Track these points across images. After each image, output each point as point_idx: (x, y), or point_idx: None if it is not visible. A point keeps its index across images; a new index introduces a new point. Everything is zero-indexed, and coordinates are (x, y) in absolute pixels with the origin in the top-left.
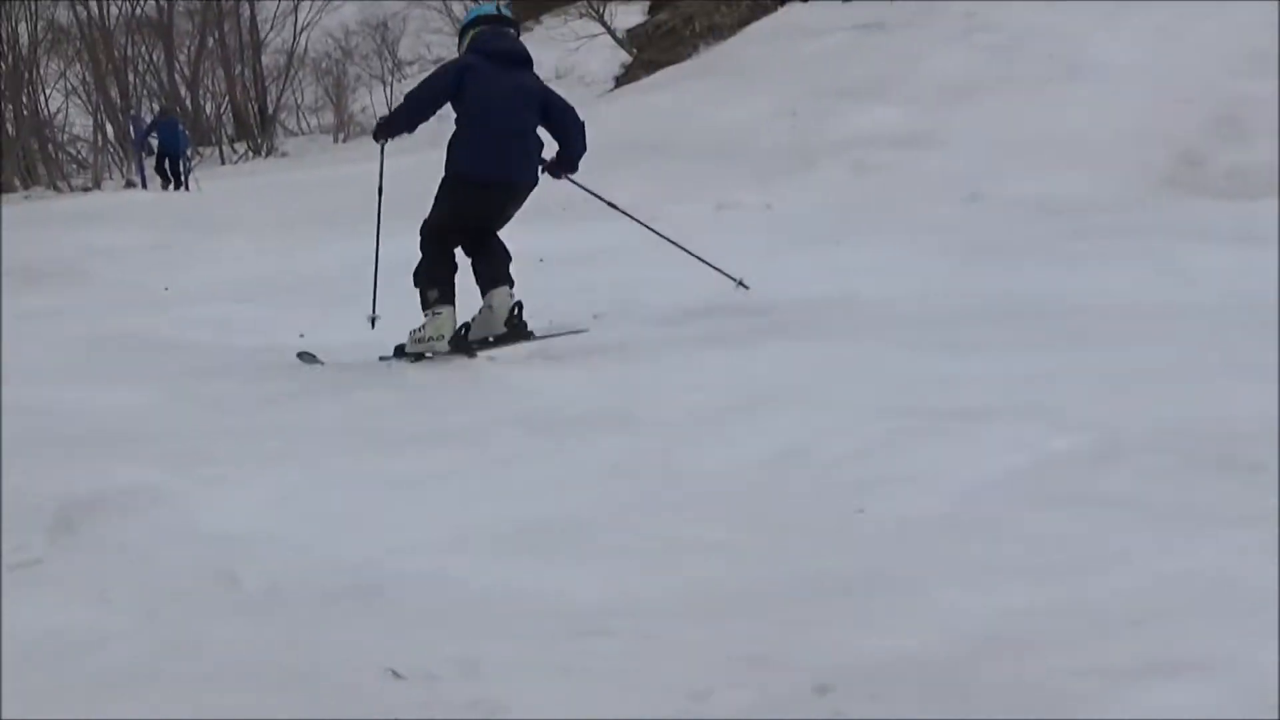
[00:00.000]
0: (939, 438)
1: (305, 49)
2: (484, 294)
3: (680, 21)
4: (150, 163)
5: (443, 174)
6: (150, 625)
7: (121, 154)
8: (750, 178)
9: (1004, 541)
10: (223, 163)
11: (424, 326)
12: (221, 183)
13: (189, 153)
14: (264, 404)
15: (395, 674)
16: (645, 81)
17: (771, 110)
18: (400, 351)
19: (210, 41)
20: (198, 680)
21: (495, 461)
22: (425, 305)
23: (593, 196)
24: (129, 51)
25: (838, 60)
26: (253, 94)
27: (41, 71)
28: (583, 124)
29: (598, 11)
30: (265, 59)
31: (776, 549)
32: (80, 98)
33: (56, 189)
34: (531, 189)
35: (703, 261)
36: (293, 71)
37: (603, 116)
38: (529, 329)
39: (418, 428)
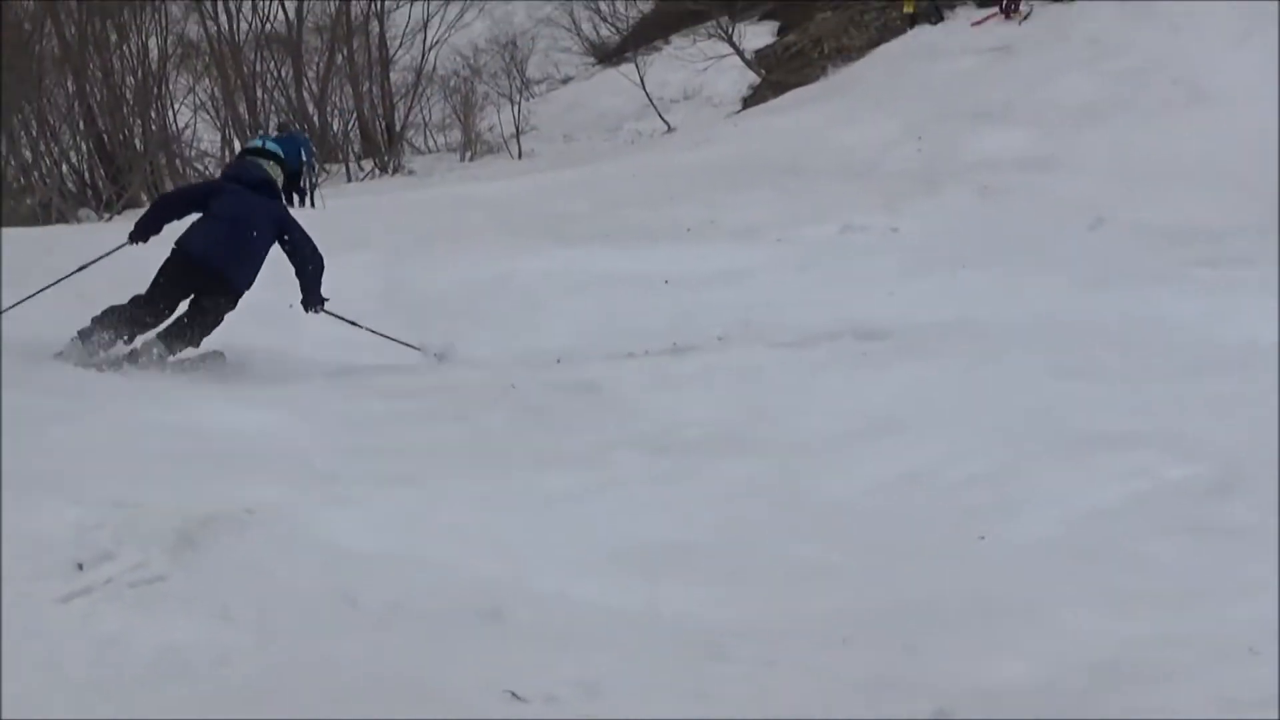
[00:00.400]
0: (1060, 463)
1: (434, 67)
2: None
3: (809, 43)
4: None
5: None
6: (271, 642)
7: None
8: (876, 200)
9: (1124, 569)
10: (349, 179)
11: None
12: (348, 200)
13: (313, 167)
14: (387, 424)
15: (515, 696)
16: (773, 103)
17: (898, 133)
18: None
19: (339, 58)
20: (318, 697)
21: (616, 483)
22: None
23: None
24: (258, 67)
25: (965, 83)
26: (380, 111)
27: (170, 86)
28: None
29: (726, 32)
30: (394, 76)
31: (897, 573)
32: (209, 113)
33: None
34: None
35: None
36: (421, 89)
37: (730, 137)
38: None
39: (539, 449)
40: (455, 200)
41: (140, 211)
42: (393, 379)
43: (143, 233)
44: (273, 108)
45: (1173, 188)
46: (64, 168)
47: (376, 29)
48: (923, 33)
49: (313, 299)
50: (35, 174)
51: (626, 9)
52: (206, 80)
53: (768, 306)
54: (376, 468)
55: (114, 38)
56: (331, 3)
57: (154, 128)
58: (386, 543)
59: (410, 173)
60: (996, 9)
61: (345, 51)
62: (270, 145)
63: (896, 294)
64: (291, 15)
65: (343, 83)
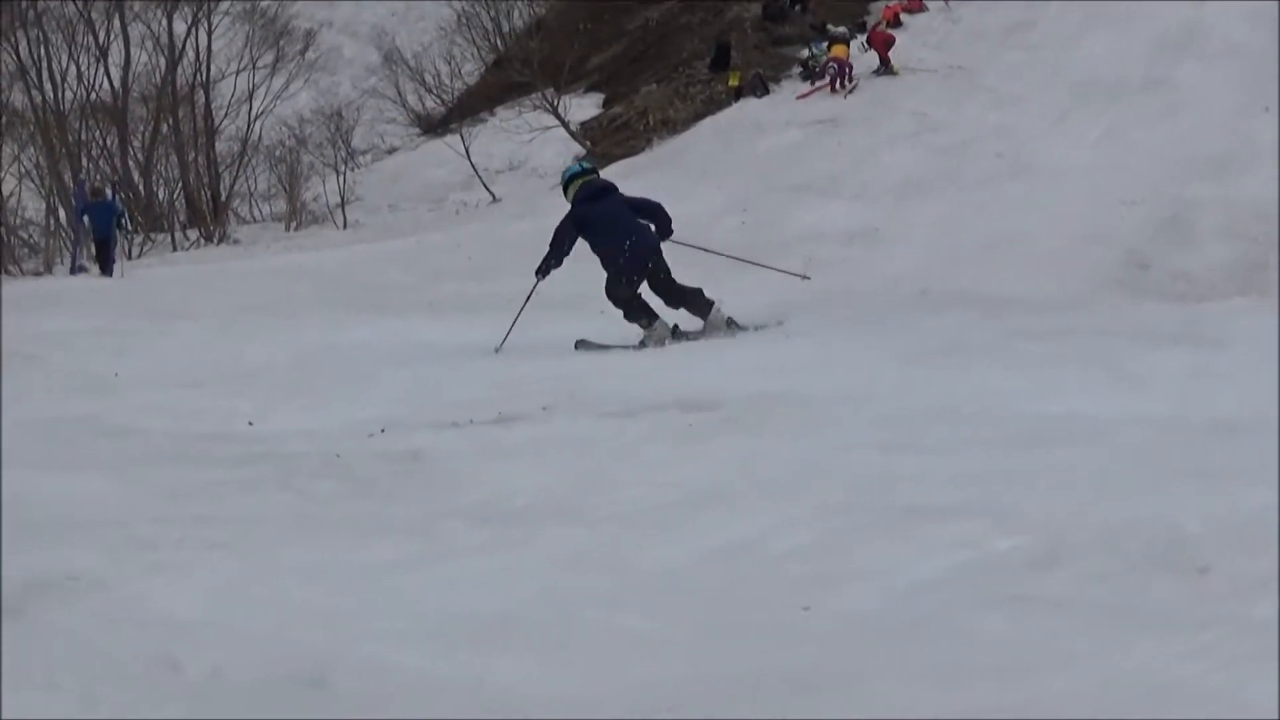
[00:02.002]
0: (884, 535)
1: (259, 136)
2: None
3: (635, 115)
4: (88, 245)
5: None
6: (94, 710)
7: (73, 238)
8: (700, 272)
9: (947, 641)
10: (175, 249)
11: (649, 334)
12: (173, 269)
13: (121, 233)
14: (210, 492)
15: None
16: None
17: (724, 205)
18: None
19: (165, 128)
20: None
21: (441, 553)
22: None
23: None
24: (83, 136)
25: (791, 156)
26: (206, 180)
27: None
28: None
29: (552, 104)
30: (219, 146)
31: (721, 645)
32: (33, 182)
33: (8, 273)
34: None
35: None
36: (246, 159)
37: (554, 209)
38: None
39: (363, 518)
40: (279, 270)
41: None
42: (215, 446)
43: None
44: (98, 176)
45: (995, 260)
46: None
47: (202, 99)
48: (748, 105)
49: None
50: None
51: (452, 80)
52: (31, 148)
53: (593, 378)
54: (199, 535)
55: None
56: (157, 73)
57: None
58: (209, 611)
59: (235, 242)
60: (824, 81)
61: (171, 121)
62: None
63: (719, 366)
64: (117, 84)
65: (168, 152)
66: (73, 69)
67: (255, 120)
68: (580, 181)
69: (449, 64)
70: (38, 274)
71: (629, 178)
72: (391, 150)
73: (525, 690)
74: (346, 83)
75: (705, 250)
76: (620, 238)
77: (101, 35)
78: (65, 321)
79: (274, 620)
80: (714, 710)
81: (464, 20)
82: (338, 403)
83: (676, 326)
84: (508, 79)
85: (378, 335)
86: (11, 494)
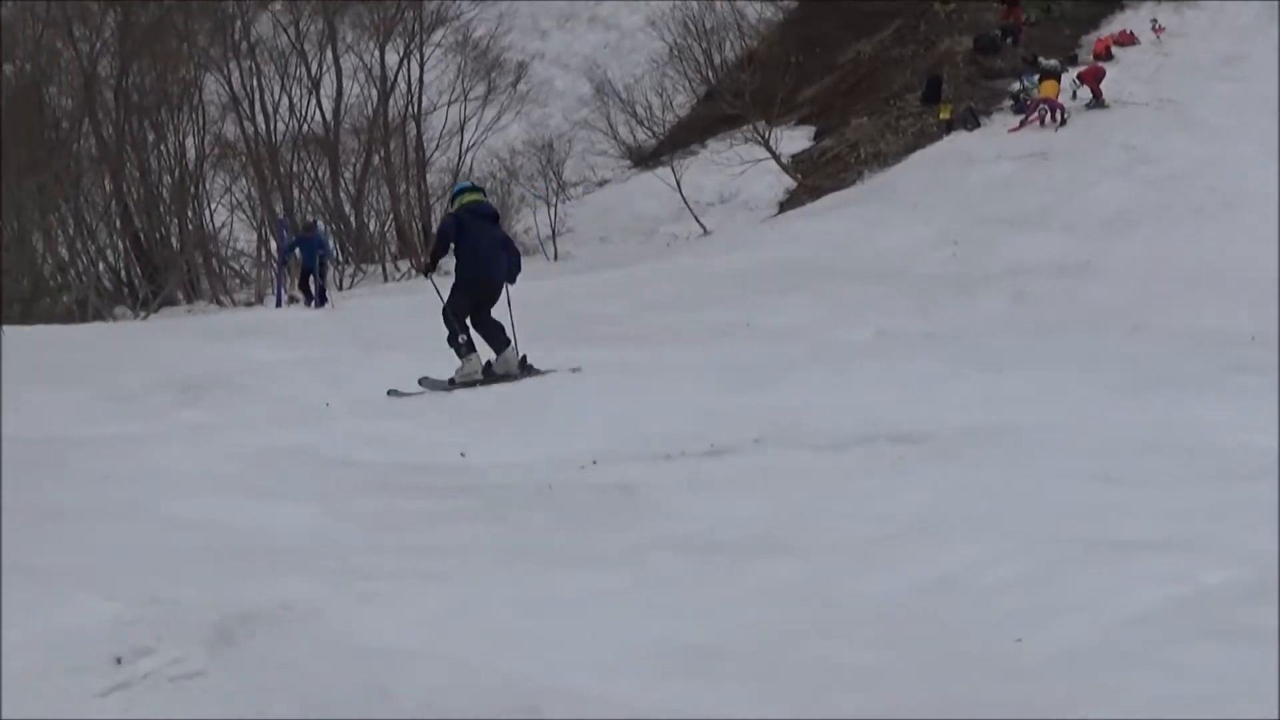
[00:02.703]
0: (1095, 568)
1: (470, 168)
2: (497, 352)
3: (845, 148)
4: (294, 277)
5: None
6: None
7: (277, 270)
8: (911, 304)
9: (1161, 674)
10: (385, 280)
11: (462, 367)
12: (384, 300)
13: (328, 265)
14: (422, 522)
15: None
16: (809, 207)
17: (933, 238)
18: (451, 383)
19: (376, 159)
20: None
21: (651, 584)
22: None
23: None
24: (294, 167)
25: (1001, 189)
26: (417, 212)
27: (207, 185)
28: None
29: (763, 136)
30: (430, 177)
31: (933, 677)
32: (245, 213)
33: (219, 303)
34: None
35: None
36: None
37: (766, 241)
38: (534, 368)
39: (575, 549)
40: None
41: (177, 310)
42: (427, 477)
43: None
44: (309, 208)
45: (1206, 293)
46: (100, 266)
47: (414, 130)
48: (959, 138)
49: None
50: (72, 272)
51: (663, 112)
52: (243, 180)
53: (803, 410)
54: (411, 565)
55: (151, 137)
56: (369, 104)
57: (190, 227)
58: (421, 640)
59: (446, 273)
60: (1034, 114)
61: (382, 153)
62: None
63: (931, 398)
64: (329, 116)
65: (380, 183)
66: (285, 100)
67: (466, 152)
68: (471, 197)
69: (660, 96)
70: (249, 304)
71: (839, 210)
72: (602, 182)
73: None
74: (558, 114)
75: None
76: (487, 257)
77: (314, 67)
78: (277, 352)
79: (486, 650)
80: None
81: (676, 53)
82: (548, 434)
83: (489, 364)
84: (719, 111)
85: (591, 359)
86: (224, 522)
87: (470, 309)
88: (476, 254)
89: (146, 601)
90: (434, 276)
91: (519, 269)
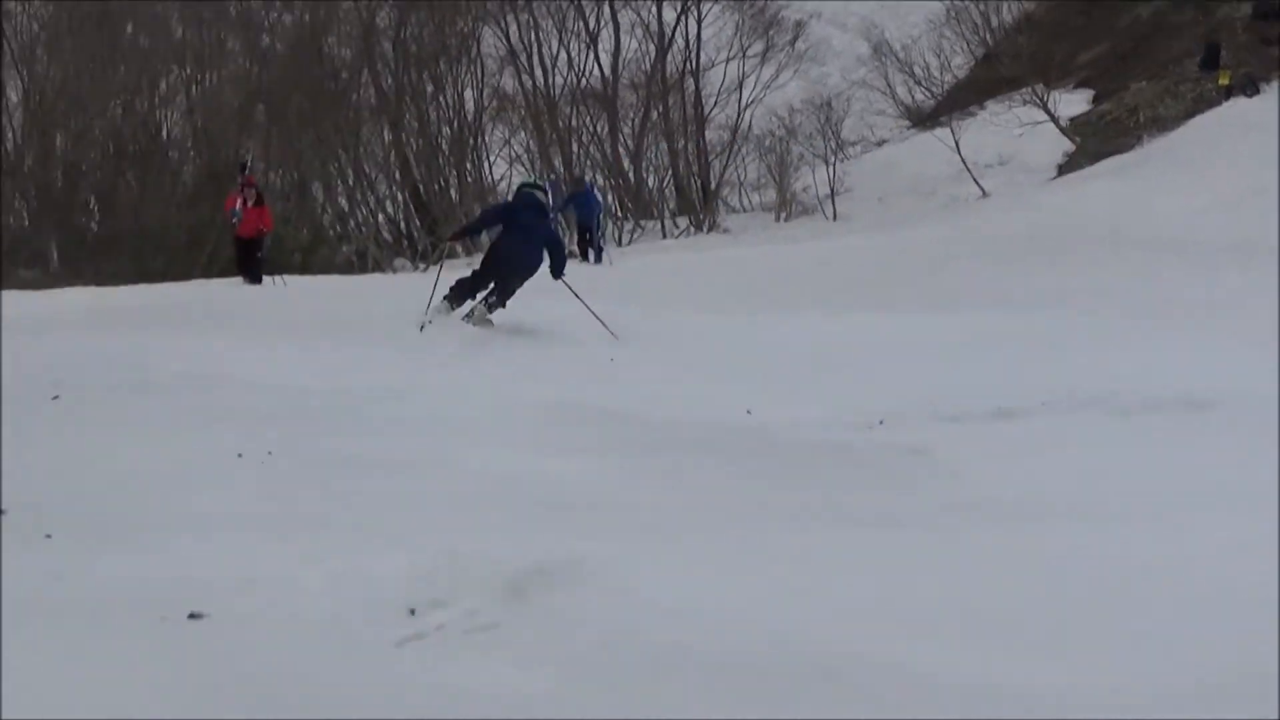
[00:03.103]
0: None
1: (749, 126)
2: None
3: (1125, 112)
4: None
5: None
6: (611, 695)
7: (564, 223)
8: (1196, 270)
9: None
10: (664, 236)
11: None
12: (663, 257)
13: (605, 221)
14: (713, 480)
15: None
16: (1088, 170)
17: (1211, 203)
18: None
19: (654, 115)
20: None
21: (950, 548)
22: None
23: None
24: (573, 121)
25: None
26: (695, 169)
27: (486, 138)
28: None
29: (1042, 99)
30: (709, 134)
31: (1247, 644)
32: (523, 166)
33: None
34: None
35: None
36: (736, 148)
37: (1044, 204)
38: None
39: (871, 510)
40: (771, 260)
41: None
42: (715, 434)
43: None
44: (588, 162)
45: None
46: (379, 217)
47: (691, 87)
48: (1239, 104)
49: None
50: (351, 222)
51: (941, 73)
52: (522, 133)
53: (1090, 373)
54: (702, 521)
55: (430, 88)
56: (647, 60)
57: (469, 179)
58: (715, 598)
59: (725, 231)
60: None
61: (661, 108)
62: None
63: (1225, 364)
64: (607, 71)
65: (658, 139)
66: (563, 54)
67: (745, 109)
68: (527, 189)
69: (938, 57)
70: None
71: (1118, 174)
72: (881, 142)
73: (1041, 694)
74: (836, 74)
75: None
76: (521, 245)
77: (592, 21)
78: (558, 307)
79: (781, 611)
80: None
81: (953, 14)
82: (834, 393)
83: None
84: (997, 73)
85: (871, 327)
86: (515, 475)
87: (479, 279)
88: (516, 241)
89: (440, 553)
90: (450, 242)
91: (562, 263)
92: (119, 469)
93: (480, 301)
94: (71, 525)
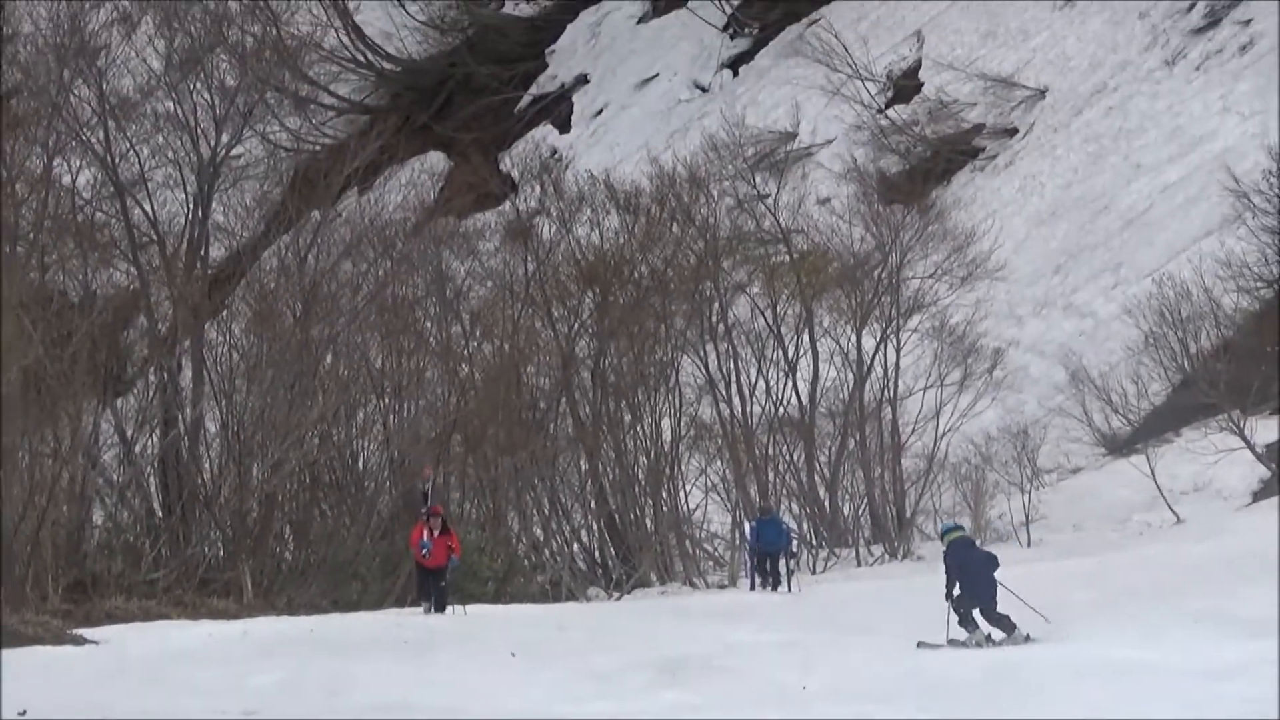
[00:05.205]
0: None
1: (945, 453)
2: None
3: None
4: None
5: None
6: None
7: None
8: None
9: None
10: (859, 564)
11: (970, 637)
12: (856, 584)
13: (792, 551)
14: None
15: None
16: None
17: None
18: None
19: (851, 443)
20: None
21: None
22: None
23: None
24: (770, 450)
25: None
26: (891, 497)
27: (682, 467)
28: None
29: (1238, 425)
30: (905, 462)
31: None
32: (719, 495)
33: (692, 585)
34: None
35: None
36: (932, 475)
37: (1240, 531)
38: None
39: None
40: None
41: (650, 591)
42: None
43: None
44: (784, 491)
45: None
46: (575, 546)
47: (889, 415)
48: None
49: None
50: (546, 551)
51: (1138, 400)
52: (719, 461)
53: None
54: None
55: (628, 417)
56: (845, 388)
57: (665, 508)
58: None
59: (919, 558)
60: None
61: (858, 436)
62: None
63: None
64: (804, 399)
65: (854, 467)
66: (760, 383)
67: (942, 437)
68: (957, 535)
69: (1135, 383)
70: (721, 587)
71: None
72: (1076, 470)
73: None
74: (1032, 401)
75: (1016, 596)
76: (979, 576)
77: (791, 350)
78: (752, 634)
79: None
80: None
81: (1151, 341)
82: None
83: (989, 636)
84: (1193, 399)
85: (1061, 654)
86: None
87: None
88: (975, 576)
89: None
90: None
91: (994, 570)
92: None
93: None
94: None
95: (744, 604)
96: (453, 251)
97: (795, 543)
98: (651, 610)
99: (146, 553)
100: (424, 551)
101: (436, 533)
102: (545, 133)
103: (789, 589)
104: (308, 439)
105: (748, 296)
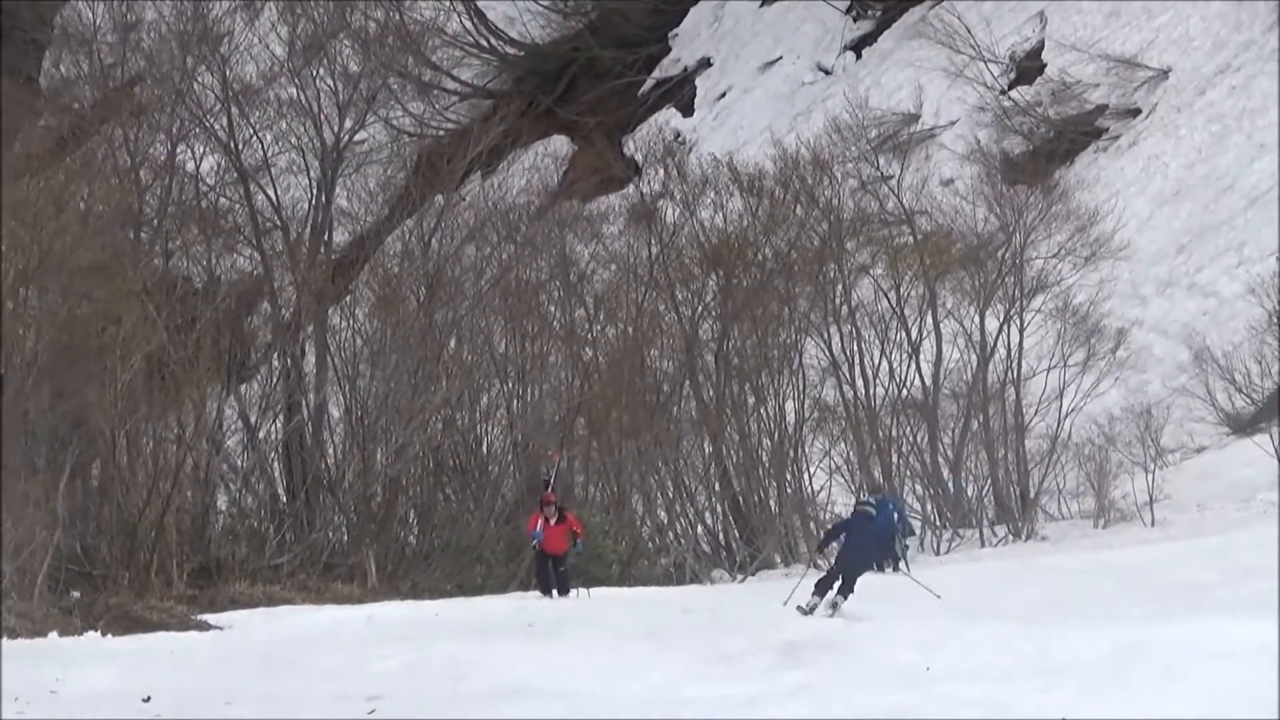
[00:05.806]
0: None
1: (1069, 434)
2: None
3: None
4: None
5: None
6: None
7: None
8: None
9: None
10: (983, 545)
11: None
12: (979, 565)
13: (903, 531)
14: None
15: None
16: None
17: None
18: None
19: (975, 424)
20: None
21: None
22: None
23: None
24: (893, 432)
25: None
26: (1015, 478)
27: (806, 449)
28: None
29: None
30: (1029, 443)
31: None
32: (843, 477)
33: (816, 566)
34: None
35: None
36: (1055, 456)
37: None
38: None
39: None
40: (1088, 567)
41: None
42: None
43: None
44: (907, 472)
45: None
46: (699, 528)
47: (1013, 396)
48: None
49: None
50: (670, 534)
51: (1262, 380)
52: (842, 444)
53: None
54: None
55: (751, 400)
56: (968, 369)
57: (789, 490)
58: None
59: (1043, 539)
60: None
61: (981, 418)
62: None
63: None
64: (928, 381)
65: (978, 448)
66: (884, 365)
67: (1065, 418)
68: (861, 508)
69: (1259, 363)
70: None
71: None
72: (1200, 449)
73: None
74: (1156, 381)
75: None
76: (857, 544)
77: (914, 331)
78: (871, 614)
79: None
80: None
81: (1275, 320)
82: (1150, 698)
83: (815, 605)
84: None
85: (1186, 633)
86: None
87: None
88: (853, 543)
89: None
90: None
91: (894, 557)
92: None
93: (836, 593)
94: None
95: (865, 584)
96: (576, 235)
97: (903, 524)
98: (776, 592)
99: (271, 538)
100: (534, 542)
101: (553, 521)
102: (668, 116)
103: (900, 569)
104: (431, 424)
105: (871, 278)
